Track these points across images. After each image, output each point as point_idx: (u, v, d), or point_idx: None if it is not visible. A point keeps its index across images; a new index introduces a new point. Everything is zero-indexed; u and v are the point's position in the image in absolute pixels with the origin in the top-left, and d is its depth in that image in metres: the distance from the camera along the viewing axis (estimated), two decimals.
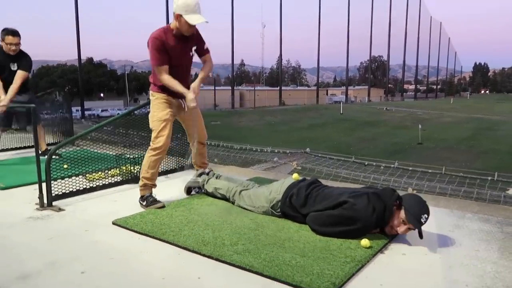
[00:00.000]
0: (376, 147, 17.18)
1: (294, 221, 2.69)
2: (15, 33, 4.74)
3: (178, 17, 2.91)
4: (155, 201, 3.06)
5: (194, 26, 2.98)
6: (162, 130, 3.08)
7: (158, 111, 3.12)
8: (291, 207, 2.66)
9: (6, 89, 4.65)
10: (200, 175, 3.39)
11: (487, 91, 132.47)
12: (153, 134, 3.11)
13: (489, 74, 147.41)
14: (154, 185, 3.18)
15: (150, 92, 3.22)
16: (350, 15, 47.64)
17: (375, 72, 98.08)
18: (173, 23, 3.00)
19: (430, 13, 71.73)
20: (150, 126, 3.15)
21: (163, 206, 3.01)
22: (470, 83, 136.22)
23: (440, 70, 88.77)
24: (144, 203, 3.06)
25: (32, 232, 2.61)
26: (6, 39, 4.71)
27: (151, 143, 3.13)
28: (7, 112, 4.74)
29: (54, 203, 3.11)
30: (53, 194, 3.13)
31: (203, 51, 3.25)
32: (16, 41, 4.75)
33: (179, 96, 3.14)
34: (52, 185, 3.12)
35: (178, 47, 3.05)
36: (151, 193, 3.14)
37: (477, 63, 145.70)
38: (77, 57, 28.54)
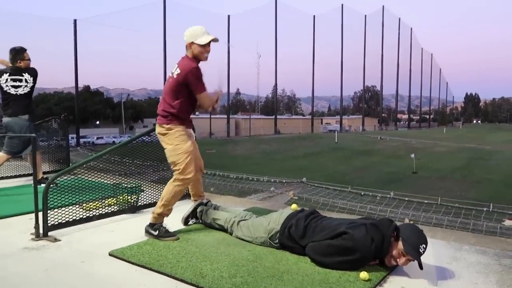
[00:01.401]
0: (371, 176, 17.21)
1: (293, 252, 2.68)
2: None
3: (190, 45, 3.06)
4: (168, 232, 3.01)
5: (208, 47, 3.10)
6: (190, 162, 3.09)
7: (182, 143, 3.10)
8: (290, 238, 2.66)
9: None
10: (198, 205, 3.39)
11: (479, 121, 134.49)
12: (180, 166, 3.06)
13: (480, 104, 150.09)
14: (167, 215, 3.16)
15: (168, 125, 3.12)
16: (344, 46, 48.82)
17: (369, 102, 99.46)
18: (189, 54, 3.10)
19: (421, 45, 73.69)
20: (173, 159, 3.08)
21: (178, 239, 2.97)
22: (462, 113, 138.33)
23: (432, 100, 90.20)
24: (156, 232, 3.00)
25: (27, 263, 2.58)
26: (26, 55, 5.01)
27: (178, 175, 3.07)
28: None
29: (50, 233, 3.08)
30: (49, 224, 3.11)
31: None
32: None
33: (191, 126, 3.28)
34: (48, 214, 3.10)
35: None
36: (163, 222, 3.10)
37: (468, 94, 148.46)
38: (74, 85, 28.83)
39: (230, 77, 36.63)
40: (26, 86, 5.01)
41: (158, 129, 3.19)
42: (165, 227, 3.05)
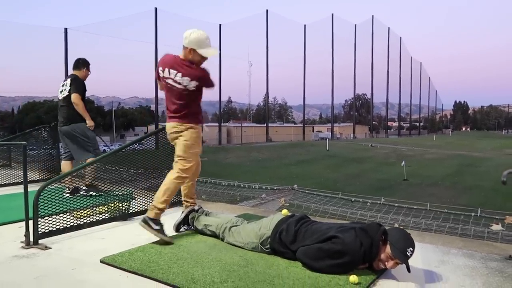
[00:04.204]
0: (362, 183, 17.29)
1: (283, 257, 2.70)
2: None
3: (192, 51, 3.07)
4: (164, 231, 3.08)
5: (206, 58, 3.15)
6: (195, 163, 3.27)
7: (197, 145, 3.26)
8: (281, 243, 2.68)
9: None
10: (189, 212, 3.40)
11: (468, 129, 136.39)
12: (187, 164, 3.19)
13: (469, 112, 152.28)
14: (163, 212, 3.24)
15: (190, 123, 3.20)
16: (334, 55, 49.36)
17: (360, 110, 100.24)
18: (182, 55, 3.13)
19: (410, 54, 74.76)
20: (185, 155, 3.18)
21: (171, 243, 3.01)
22: (451, 120, 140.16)
23: (422, 108, 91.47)
24: (158, 227, 3.04)
25: (18, 271, 2.57)
26: (89, 67, 5.06)
27: (181, 171, 3.17)
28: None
29: (40, 241, 3.07)
30: (39, 232, 3.09)
31: None
32: None
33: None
34: (38, 222, 3.09)
35: None
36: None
37: (457, 102, 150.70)
38: None
39: (222, 85, 36.76)
40: (66, 90, 4.90)
41: (176, 128, 3.19)
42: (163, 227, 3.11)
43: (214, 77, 3.26)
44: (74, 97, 4.77)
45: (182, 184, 3.31)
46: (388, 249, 2.41)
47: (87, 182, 4.73)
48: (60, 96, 4.96)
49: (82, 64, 4.98)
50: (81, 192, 4.73)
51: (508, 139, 60.01)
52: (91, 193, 4.68)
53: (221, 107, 41.68)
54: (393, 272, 2.50)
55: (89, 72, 5.07)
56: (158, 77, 3.26)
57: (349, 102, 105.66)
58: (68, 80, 4.90)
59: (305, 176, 18.69)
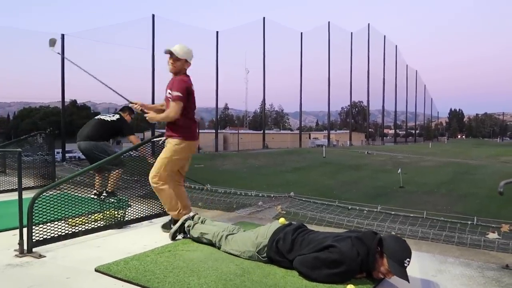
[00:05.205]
0: (359, 190, 17.29)
1: (280, 266, 2.69)
2: None
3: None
4: None
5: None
6: None
7: None
8: (278, 252, 2.67)
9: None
10: (185, 220, 3.38)
11: (464, 136, 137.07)
12: None
13: (464, 119, 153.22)
14: None
15: None
16: (331, 63, 49.55)
17: (356, 117, 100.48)
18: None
19: (406, 62, 75.24)
20: None
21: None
22: (447, 128, 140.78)
23: (417, 115, 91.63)
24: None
25: (11, 280, 2.53)
26: (132, 115, 5.68)
27: None
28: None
29: (34, 249, 3.04)
30: (33, 240, 3.06)
31: None
32: None
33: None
34: (32, 230, 3.05)
35: None
36: None
37: (453, 109, 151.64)
38: (60, 99, 28.58)
39: (219, 92, 36.75)
40: (109, 117, 5.47)
41: None
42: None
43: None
44: (134, 139, 5.35)
45: None
46: (385, 262, 2.39)
47: (109, 190, 5.00)
48: (100, 116, 5.49)
49: (127, 109, 5.63)
50: (101, 197, 4.89)
51: (503, 147, 60.35)
52: (111, 199, 4.73)
53: (218, 113, 41.66)
54: (391, 281, 2.49)
55: (131, 118, 5.73)
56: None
57: (345, 109, 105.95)
58: (117, 116, 5.51)
59: (302, 183, 18.67)
